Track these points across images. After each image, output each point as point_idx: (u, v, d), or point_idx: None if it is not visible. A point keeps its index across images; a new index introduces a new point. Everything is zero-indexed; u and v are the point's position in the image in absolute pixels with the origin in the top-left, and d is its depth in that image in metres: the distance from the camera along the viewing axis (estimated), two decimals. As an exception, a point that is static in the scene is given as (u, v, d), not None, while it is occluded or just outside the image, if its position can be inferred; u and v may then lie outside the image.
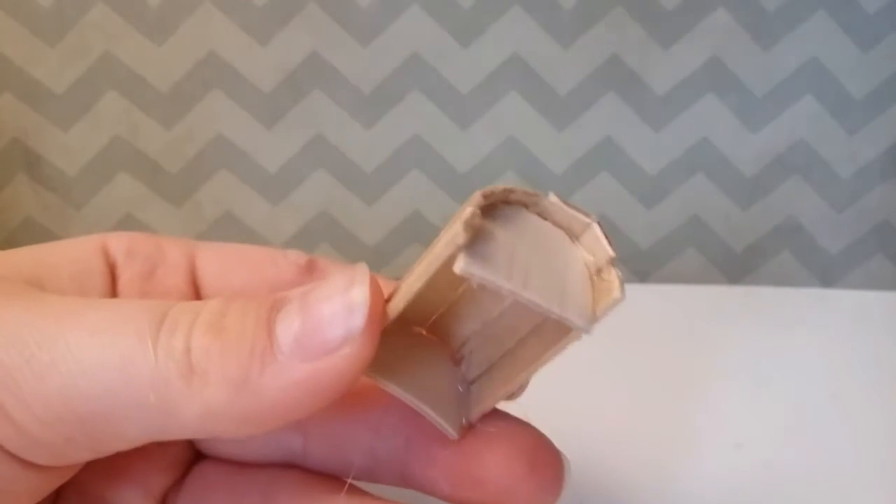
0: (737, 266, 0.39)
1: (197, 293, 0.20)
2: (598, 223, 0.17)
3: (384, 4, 0.35)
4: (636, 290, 0.39)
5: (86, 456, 0.16)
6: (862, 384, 0.31)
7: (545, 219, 0.17)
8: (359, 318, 0.15)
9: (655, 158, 0.38)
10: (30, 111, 0.36)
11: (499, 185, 0.17)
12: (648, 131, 0.37)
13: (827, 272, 0.39)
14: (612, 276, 0.16)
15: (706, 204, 0.38)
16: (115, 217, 0.38)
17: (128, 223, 0.38)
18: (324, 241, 0.39)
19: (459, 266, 0.14)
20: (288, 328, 0.15)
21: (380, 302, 0.16)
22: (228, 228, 0.38)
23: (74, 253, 0.19)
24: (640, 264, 0.39)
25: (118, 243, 0.20)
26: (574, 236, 0.17)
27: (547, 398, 0.30)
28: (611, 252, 0.16)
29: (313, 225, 0.38)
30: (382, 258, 0.39)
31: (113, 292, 0.19)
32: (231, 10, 0.35)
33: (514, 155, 0.37)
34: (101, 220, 0.38)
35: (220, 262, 0.20)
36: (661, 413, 0.30)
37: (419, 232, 0.39)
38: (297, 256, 0.20)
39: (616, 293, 0.15)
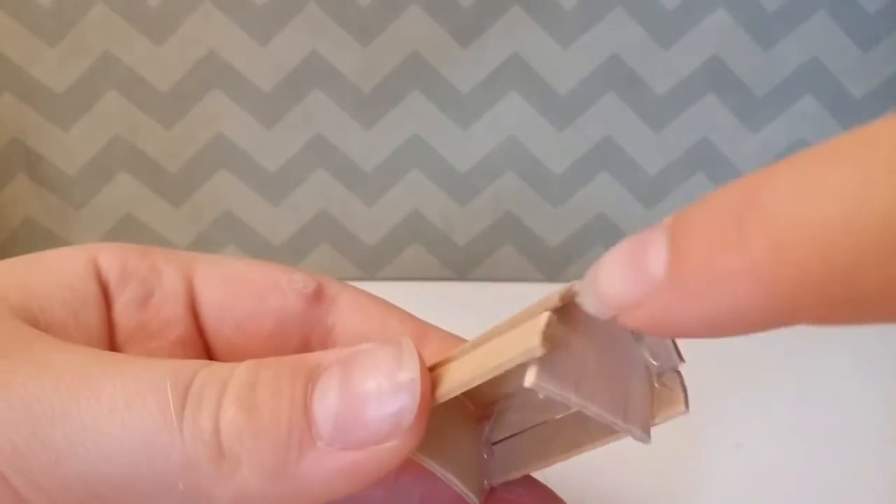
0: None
1: (197, 321, 0.19)
2: None
3: (384, 4, 0.35)
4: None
5: None
6: (862, 384, 0.31)
7: None
8: (409, 410, 0.14)
9: (655, 158, 0.38)
10: (30, 111, 0.36)
11: (576, 284, 0.15)
12: (648, 131, 0.37)
13: (827, 272, 0.39)
14: (676, 385, 0.15)
15: (706, 204, 0.38)
16: (115, 217, 0.38)
17: (128, 223, 0.38)
18: (324, 241, 0.39)
19: (531, 381, 0.13)
20: (327, 408, 0.14)
21: (428, 386, 0.15)
22: (228, 228, 0.38)
23: (65, 275, 0.17)
24: (640, 264, 0.39)
25: (110, 262, 0.18)
26: (639, 334, 0.16)
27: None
28: (678, 361, 0.15)
29: (313, 225, 0.38)
30: (382, 258, 0.39)
31: (108, 320, 0.18)
32: (231, 10, 0.35)
33: (514, 155, 0.37)
34: (101, 220, 0.38)
35: (220, 288, 0.19)
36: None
37: (419, 232, 0.39)
38: (303, 283, 0.19)
39: (680, 407, 0.15)
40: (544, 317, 0.14)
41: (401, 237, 0.39)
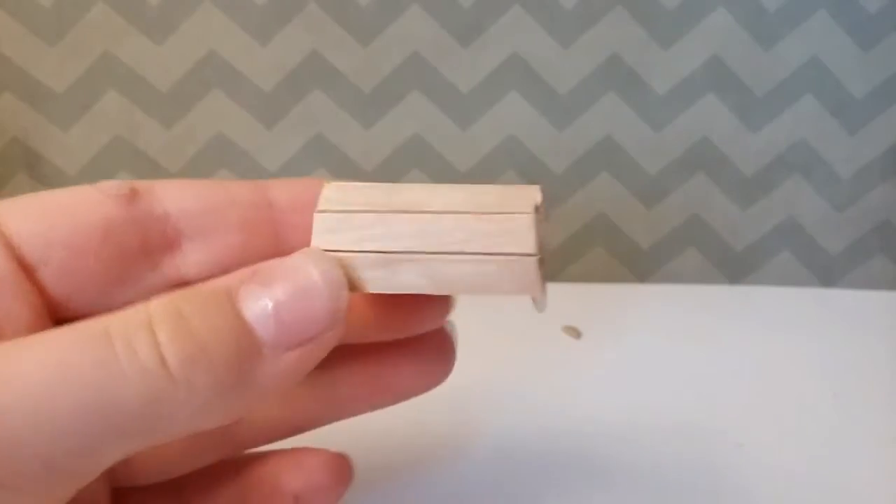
0: (737, 266, 0.39)
1: (20, 259, 0.18)
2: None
3: (384, 4, 0.35)
4: (636, 290, 0.39)
5: (71, 489, 0.15)
6: (862, 384, 0.31)
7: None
8: (344, 299, 0.16)
9: (655, 158, 0.38)
10: (30, 111, 0.36)
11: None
12: (648, 131, 0.37)
13: (827, 272, 0.39)
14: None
15: (706, 203, 0.38)
16: (115, 217, 0.38)
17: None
18: (324, 241, 0.39)
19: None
20: (260, 310, 0.15)
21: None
22: (228, 228, 0.38)
23: None
24: (640, 264, 0.39)
25: None
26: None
27: (547, 398, 0.30)
28: None
29: (313, 225, 0.38)
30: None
31: None
32: (231, 10, 0.35)
33: (514, 155, 0.37)
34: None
35: (30, 220, 0.18)
36: (662, 413, 0.30)
37: (419, 232, 0.39)
38: (115, 187, 0.18)
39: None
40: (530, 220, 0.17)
41: (401, 237, 0.39)
